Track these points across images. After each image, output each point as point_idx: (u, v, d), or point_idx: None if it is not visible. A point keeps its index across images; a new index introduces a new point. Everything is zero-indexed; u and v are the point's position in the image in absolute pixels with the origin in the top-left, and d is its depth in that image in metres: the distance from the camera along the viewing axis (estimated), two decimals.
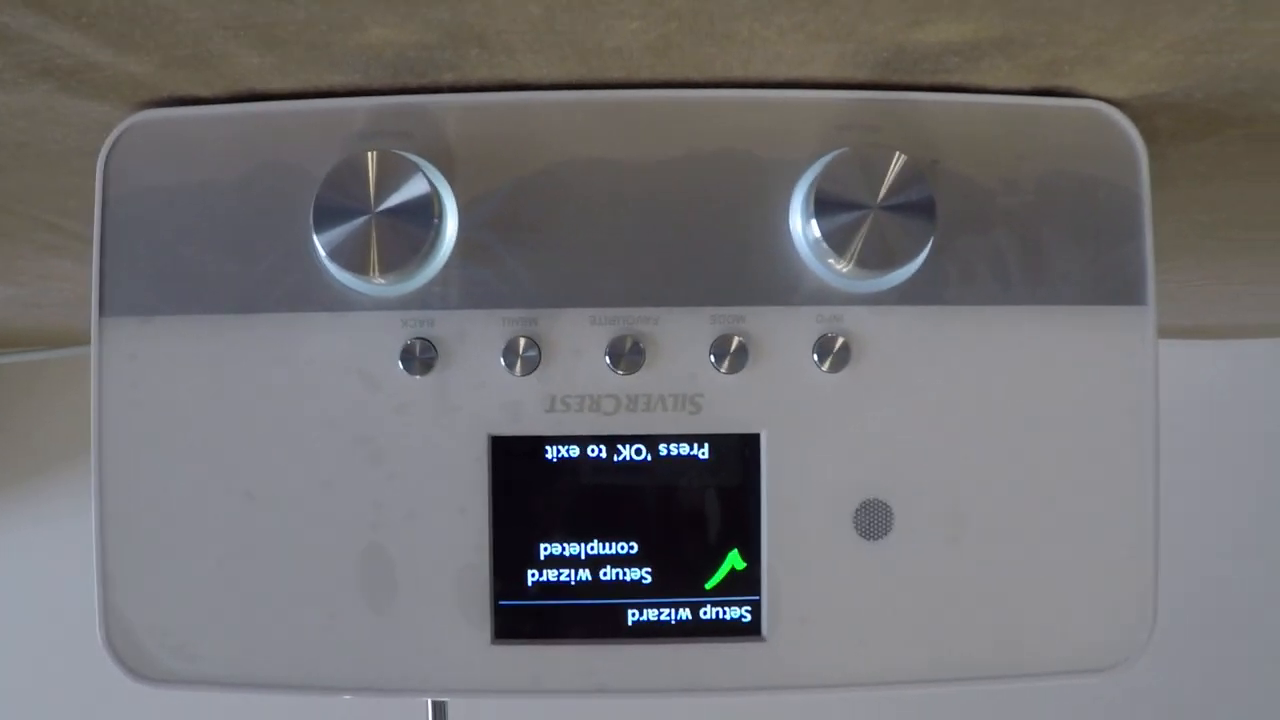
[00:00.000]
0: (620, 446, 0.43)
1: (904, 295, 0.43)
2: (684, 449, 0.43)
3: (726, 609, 0.43)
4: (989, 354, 0.43)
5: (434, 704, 0.48)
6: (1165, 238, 0.56)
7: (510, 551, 0.43)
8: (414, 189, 0.40)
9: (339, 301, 0.42)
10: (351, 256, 0.40)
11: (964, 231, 0.43)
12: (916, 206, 0.40)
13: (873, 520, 0.43)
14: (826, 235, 0.40)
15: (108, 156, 0.43)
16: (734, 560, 0.43)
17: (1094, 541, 0.44)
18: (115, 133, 0.42)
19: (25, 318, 0.96)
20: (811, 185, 0.41)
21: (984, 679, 0.44)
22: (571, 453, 0.43)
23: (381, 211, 0.40)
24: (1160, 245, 0.44)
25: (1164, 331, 0.44)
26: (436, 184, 0.41)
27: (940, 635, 0.43)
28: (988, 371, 0.43)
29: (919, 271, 0.43)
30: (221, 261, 0.42)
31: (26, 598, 1.43)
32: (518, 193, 0.42)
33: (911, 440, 0.43)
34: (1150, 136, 0.44)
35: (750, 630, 0.43)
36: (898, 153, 0.40)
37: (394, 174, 0.40)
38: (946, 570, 0.43)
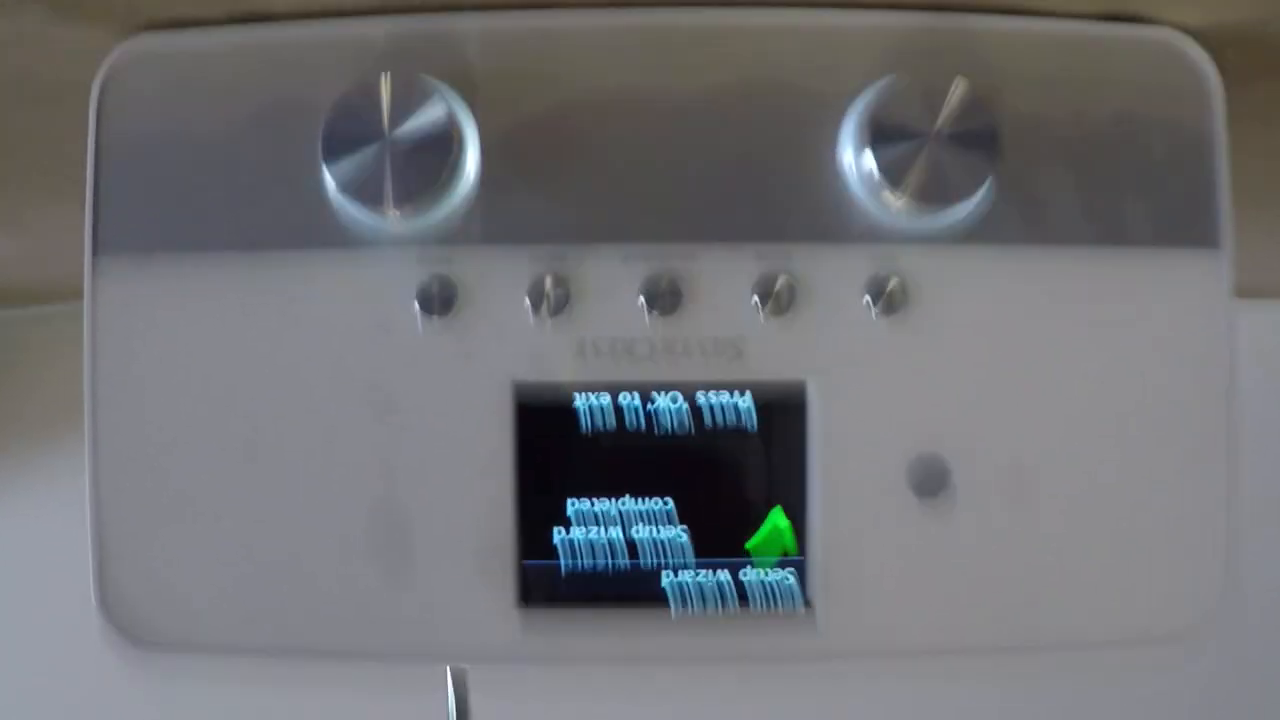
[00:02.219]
0: (654, 395, 0.41)
1: (962, 233, 0.41)
2: (724, 398, 0.41)
3: (769, 572, 0.41)
4: (1052, 297, 0.41)
5: (453, 672, 0.46)
6: None
7: (536, 508, 0.41)
8: (432, 114, 0.38)
9: (351, 238, 0.41)
10: (364, 188, 0.38)
11: (1025, 166, 0.41)
12: (978, 136, 0.38)
13: (928, 477, 0.41)
14: (881, 166, 0.38)
15: (102, 83, 0.41)
16: (777, 518, 0.41)
17: (1164, 502, 0.42)
18: (110, 58, 0.41)
19: (34, 275, 0.94)
20: (864, 113, 0.39)
21: (1045, 648, 0.42)
22: (602, 401, 0.41)
23: (396, 138, 0.38)
24: None
25: None
26: (457, 110, 0.39)
27: (999, 600, 0.42)
28: (1051, 316, 0.41)
29: (978, 208, 0.40)
30: (224, 195, 0.41)
31: (31, 563, 1.40)
32: (545, 121, 0.41)
33: (969, 390, 0.41)
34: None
35: (795, 595, 0.41)
36: (959, 77, 0.38)
37: (410, 97, 0.38)
38: (1007, 530, 0.41)
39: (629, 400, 0.41)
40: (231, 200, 0.41)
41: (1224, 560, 0.42)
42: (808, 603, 0.41)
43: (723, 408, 0.41)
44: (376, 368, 0.41)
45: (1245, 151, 0.43)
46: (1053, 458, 0.41)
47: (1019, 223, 0.41)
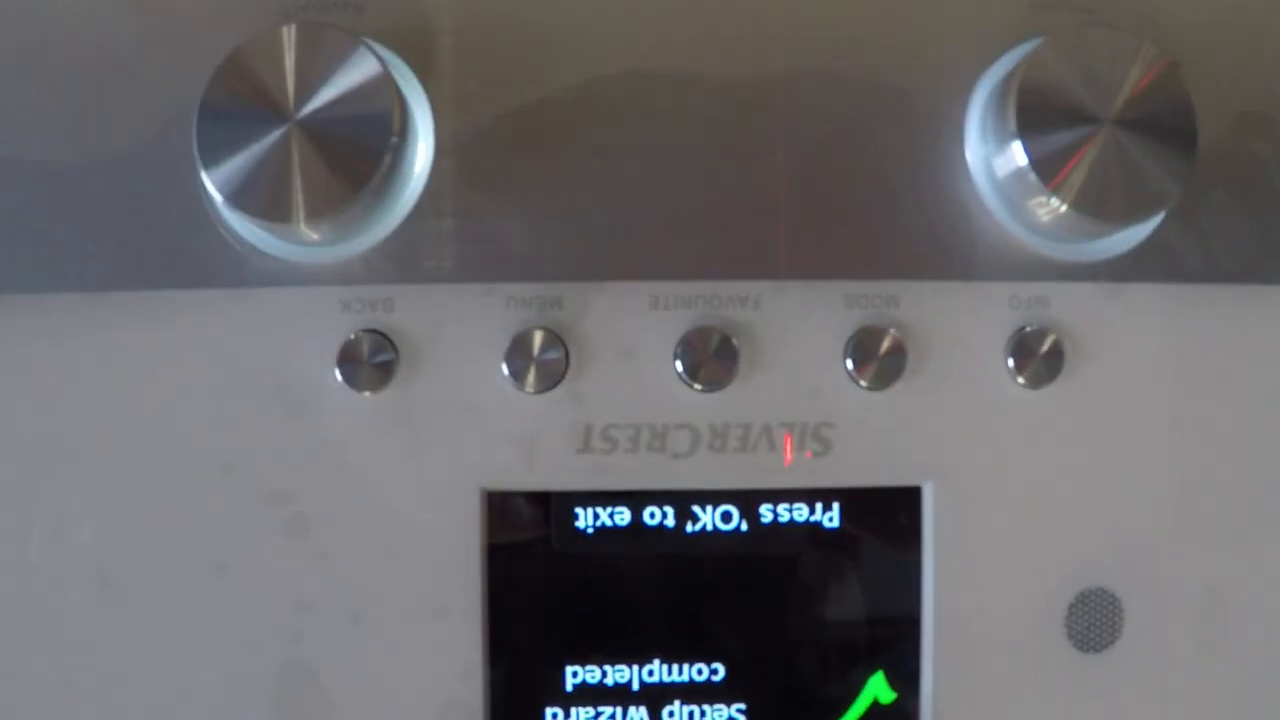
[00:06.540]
0: (698, 509, 0.34)
1: (1142, 266, 0.34)
2: (801, 513, 0.35)
3: None
4: (1266, 358, 0.35)
5: None
6: None
7: (518, 678, 0.35)
8: (357, 75, 0.30)
9: (244, 272, 0.33)
10: (261, 196, 0.30)
11: (1222, 171, 0.34)
12: (1170, 124, 0.31)
13: (1094, 621, 0.35)
14: (1035, 161, 0.31)
15: None
16: (878, 689, 0.35)
17: None
18: None
19: None
20: (1005, 88, 0.32)
21: None
22: (619, 519, 0.34)
23: (306, 118, 0.29)
24: None
25: None
26: (401, 80, 0.31)
27: None
28: (1264, 384, 0.35)
29: (1161, 228, 0.33)
30: (76, 218, 0.34)
31: None
32: (535, 105, 0.33)
33: (1153, 495, 0.35)
34: None
35: None
36: (1145, 43, 0.31)
37: (326, 58, 0.30)
38: (1200, 690, 0.35)
39: (659, 517, 0.35)
40: (82, 222, 0.34)
41: None
42: None
43: (799, 527, 0.35)
44: (283, 465, 0.34)
45: None
46: (1261, 585, 0.35)
47: (1220, 252, 0.35)
